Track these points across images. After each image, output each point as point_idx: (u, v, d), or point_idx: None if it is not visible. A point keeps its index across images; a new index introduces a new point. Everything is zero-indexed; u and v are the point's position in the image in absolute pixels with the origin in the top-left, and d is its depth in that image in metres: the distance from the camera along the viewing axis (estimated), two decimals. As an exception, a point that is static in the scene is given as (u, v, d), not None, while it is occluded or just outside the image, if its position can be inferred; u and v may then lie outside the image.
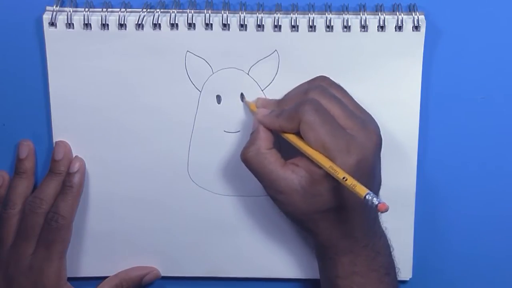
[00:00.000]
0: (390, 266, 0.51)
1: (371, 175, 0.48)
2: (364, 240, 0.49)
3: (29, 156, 0.54)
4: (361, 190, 0.43)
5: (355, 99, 0.50)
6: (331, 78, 0.51)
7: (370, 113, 0.50)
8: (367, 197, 0.42)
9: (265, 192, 0.49)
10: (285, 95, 0.52)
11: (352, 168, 0.45)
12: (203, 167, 0.55)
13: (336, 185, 0.46)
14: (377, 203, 0.42)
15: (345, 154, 0.46)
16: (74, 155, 0.54)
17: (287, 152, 0.49)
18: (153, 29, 0.52)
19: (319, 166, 0.46)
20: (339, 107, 0.48)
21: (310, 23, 0.52)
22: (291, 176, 0.47)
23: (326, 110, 0.47)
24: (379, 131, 0.49)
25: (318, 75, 0.51)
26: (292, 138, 0.48)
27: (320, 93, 0.48)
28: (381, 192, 0.53)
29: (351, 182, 0.44)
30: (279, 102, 0.51)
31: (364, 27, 0.52)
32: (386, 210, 0.41)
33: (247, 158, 0.49)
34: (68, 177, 0.53)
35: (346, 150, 0.46)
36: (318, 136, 0.46)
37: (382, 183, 0.53)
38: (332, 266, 0.50)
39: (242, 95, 0.53)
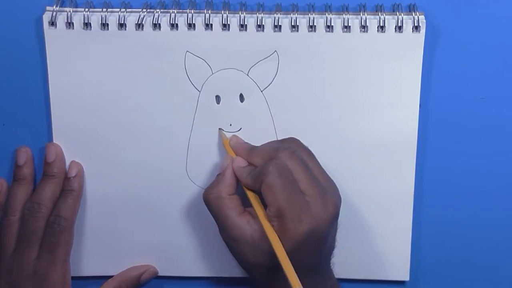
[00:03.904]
0: None
1: (322, 242, 0.48)
2: None
3: (28, 162, 0.54)
4: (294, 282, 0.43)
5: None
6: (300, 140, 0.51)
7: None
8: None
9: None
10: (258, 148, 0.52)
11: (302, 236, 0.46)
12: (201, 167, 0.54)
13: None
14: None
15: (297, 222, 0.46)
16: (71, 160, 0.54)
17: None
18: (153, 29, 0.52)
19: None
20: (303, 172, 0.48)
21: (310, 23, 0.52)
22: (245, 226, 0.48)
23: (289, 173, 0.47)
24: (339, 202, 0.49)
25: (289, 136, 0.52)
26: (251, 197, 0.49)
27: (288, 155, 0.48)
28: (379, 193, 0.54)
29: (287, 269, 0.44)
30: (250, 152, 0.51)
31: (364, 27, 0.52)
32: None
33: (207, 199, 0.50)
34: (67, 182, 0.54)
35: (299, 219, 0.46)
36: (276, 200, 0.47)
37: (380, 184, 0.53)
38: None
39: (220, 130, 0.54)
